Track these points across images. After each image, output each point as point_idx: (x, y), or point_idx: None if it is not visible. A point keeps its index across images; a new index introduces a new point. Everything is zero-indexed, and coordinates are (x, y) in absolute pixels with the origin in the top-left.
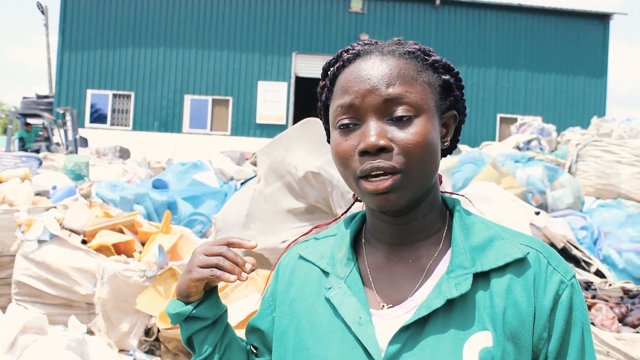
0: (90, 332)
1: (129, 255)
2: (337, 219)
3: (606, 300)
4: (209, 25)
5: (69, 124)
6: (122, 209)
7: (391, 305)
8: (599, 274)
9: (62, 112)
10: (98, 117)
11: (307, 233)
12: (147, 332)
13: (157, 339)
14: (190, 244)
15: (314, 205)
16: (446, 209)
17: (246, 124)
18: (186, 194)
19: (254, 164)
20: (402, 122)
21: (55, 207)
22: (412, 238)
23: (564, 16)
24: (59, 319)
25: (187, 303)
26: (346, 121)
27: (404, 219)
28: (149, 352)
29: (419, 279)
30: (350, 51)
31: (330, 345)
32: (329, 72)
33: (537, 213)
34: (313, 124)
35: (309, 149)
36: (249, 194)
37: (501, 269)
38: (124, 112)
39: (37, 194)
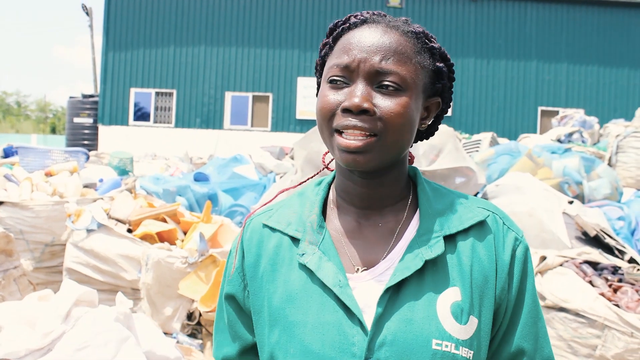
0: None
1: (172, 243)
2: (302, 182)
3: (632, 284)
4: (249, 22)
5: None
6: (164, 200)
7: (365, 268)
8: (633, 262)
9: None
10: (141, 115)
11: (272, 199)
12: (190, 316)
13: (199, 323)
14: (230, 232)
15: None
16: (410, 180)
17: (286, 119)
18: (226, 186)
19: (293, 158)
20: (387, 91)
21: (102, 199)
22: (381, 203)
23: (607, 6)
24: (106, 304)
25: None
26: (337, 78)
27: (372, 182)
28: (191, 335)
29: (389, 242)
30: (359, 17)
31: (309, 311)
32: (334, 32)
33: (571, 202)
34: None
35: None
36: (287, 185)
37: (465, 231)
38: (167, 110)
39: (85, 186)
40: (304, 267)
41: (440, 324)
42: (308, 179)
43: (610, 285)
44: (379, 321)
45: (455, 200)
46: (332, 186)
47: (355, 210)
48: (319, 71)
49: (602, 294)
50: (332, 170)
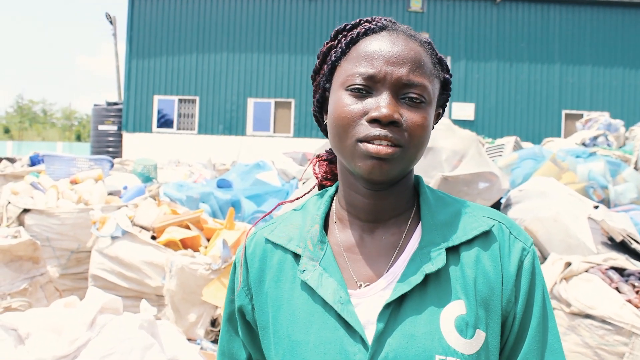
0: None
1: (195, 250)
2: (301, 197)
3: None
4: (270, 29)
5: None
6: (188, 207)
7: (367, 283)
8: None
9: None
10: (165, 122)
11: (270, 212)
12: (213, 322)
13: None
14: None
15: None
16: (415, 190)
17: (308, 125)
18: (249, 193)
19: None
20: (414, 104)
21: (126, 206)
22: (386, 215)
23: (631, 7)
24: (131, 310)
25: None
26: (360, 87)
27: (382, 194)
28: (215, 341)
29: (391, 255)
30: (375, 22)
31: (310, 329)
32: (342, 35)
33: (596, 207)
34: None
35: None
36: (311, 190)
37: (469, 242)
38: (190, 117)
39: (110, 194)
40: (305, 284)
41: (444, 339)
42: (304, 195)
43: (637, 292)
44: (380, 337)
45: (460, 209)
46: (335, 199)
47: (360, 223)
48: (325, 74)
49: (629, 301)
50: (326, 184)
